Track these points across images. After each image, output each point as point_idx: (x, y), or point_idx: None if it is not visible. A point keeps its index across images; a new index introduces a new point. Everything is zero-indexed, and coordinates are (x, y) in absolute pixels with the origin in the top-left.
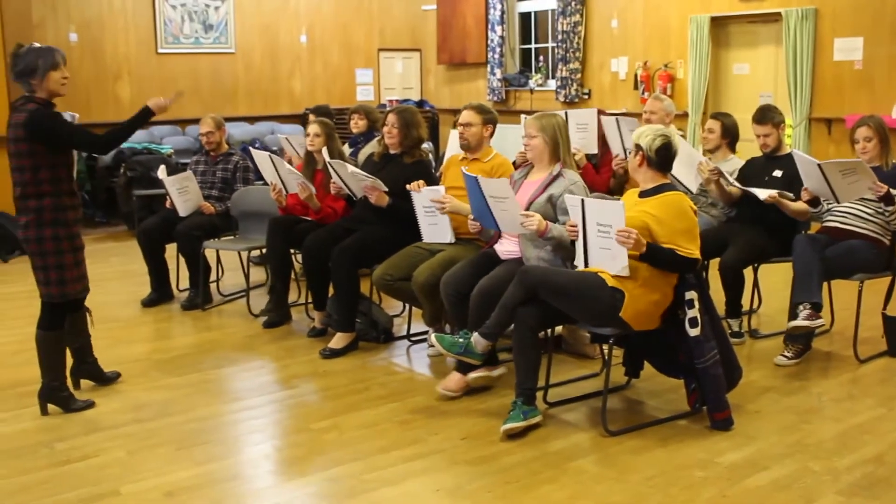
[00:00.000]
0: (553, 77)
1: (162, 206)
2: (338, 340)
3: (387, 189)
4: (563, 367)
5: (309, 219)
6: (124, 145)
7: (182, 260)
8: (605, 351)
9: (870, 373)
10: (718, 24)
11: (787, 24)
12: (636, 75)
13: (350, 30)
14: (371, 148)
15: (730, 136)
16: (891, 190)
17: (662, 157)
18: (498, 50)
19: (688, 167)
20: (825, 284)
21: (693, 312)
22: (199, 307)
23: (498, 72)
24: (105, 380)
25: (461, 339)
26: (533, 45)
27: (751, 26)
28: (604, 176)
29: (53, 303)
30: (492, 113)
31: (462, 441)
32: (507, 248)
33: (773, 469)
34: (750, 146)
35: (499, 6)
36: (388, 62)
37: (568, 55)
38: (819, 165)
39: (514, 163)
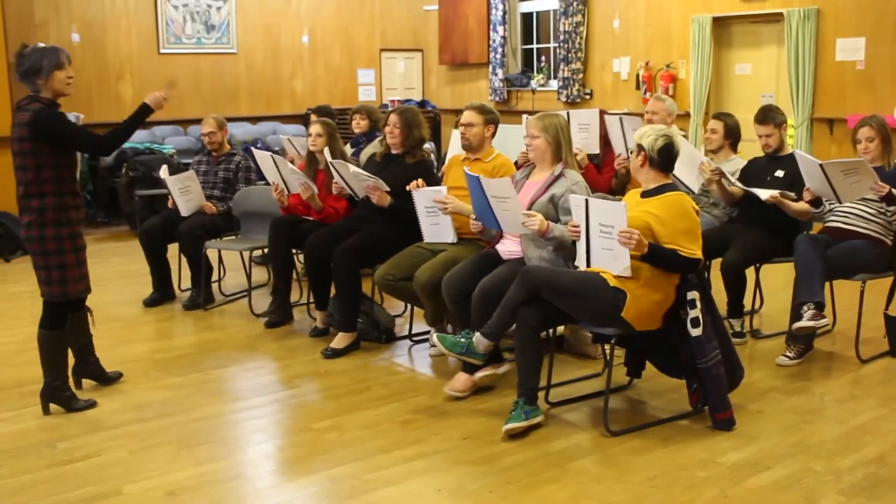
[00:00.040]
0: (555, 77)
1: (164, 206)
2: (339, 340)
3: (388, 189)
4: (565, 367)
5: (311, 219)
6: (126, 145)
7: (184, 260)
8: (607, 351)
9: (872, 373)
10: (720, 25)
11: (789, 24)
12: (638, 75)
13: (352, 30)
14: (373, 148)
15: (732, 136)
16: (893, 190)
17: (664, 158)
18: (500, 50)
19: (689, 167)
20: (827, 285)
21: (695, 312)
22: (201, 307)
23: (500, 72)
24: (107, 380)
25: (463, 339)
26: (535, 46)
27: (753, 26)
28: (606, 176)
29: (55, 302)
30: (493, 113)
31: (464, 441)
32: (508, 247)
33: (775, 469)
34: (752, 146)
35: (500, 6)
36: (389, 62)
37: (570, 55)
38: (821, 165)
39: (515, 163)
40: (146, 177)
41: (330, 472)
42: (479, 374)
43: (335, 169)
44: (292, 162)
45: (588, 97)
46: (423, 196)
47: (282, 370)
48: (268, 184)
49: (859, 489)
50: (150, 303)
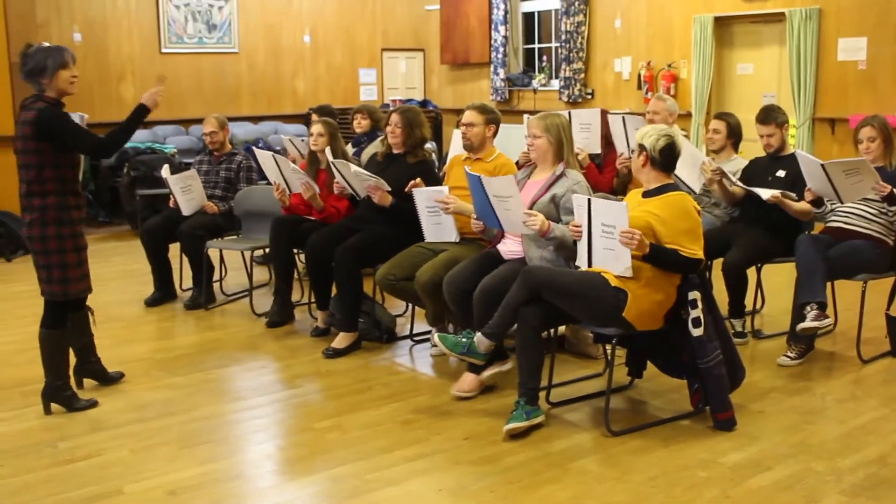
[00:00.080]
0: (556, 77)
1: (165, 206)
2: (341, 340)
3: (390, 189)
4: (566, 367)
5: (312, 218)
6: (127, 145)
7: (185, 259)
8: (608, 351)
9: (873, 373)
10: (722, 24)
11: (790, 24)
12: (639, 75)
13: (353, 30)
14: (374, 148)
15: (734, 136)
16: (894, 190)
17: (666, 158)
18: (501, 50)
19: (691, 167)
20: (828, 285)
21: (696, 312)
22: (203, 307)
23: (501, 72)
24: (108, 379)
25: (464, 339)
26: (536, 45)
27: (754, 26)
28: (607, 176)
29: (56, 301)
30: (494, 113)
31: (465, 441)
32: (510, 247)
33: (776, 469)
34: (753, 146)
35: (502, 6)
36: (391, 62)
37: (571, 55)
38: (822, 165)
39: (517, 163)
40: (148, 176)
41: (331, 472)
42: (486, 374)
43: (336, 169)
44: (294, 161)
45: (589, 97)
46: (424, 195)
47: (283, 370)
48: (269, 183)
49: (860, 489)
50: (152, 302)
